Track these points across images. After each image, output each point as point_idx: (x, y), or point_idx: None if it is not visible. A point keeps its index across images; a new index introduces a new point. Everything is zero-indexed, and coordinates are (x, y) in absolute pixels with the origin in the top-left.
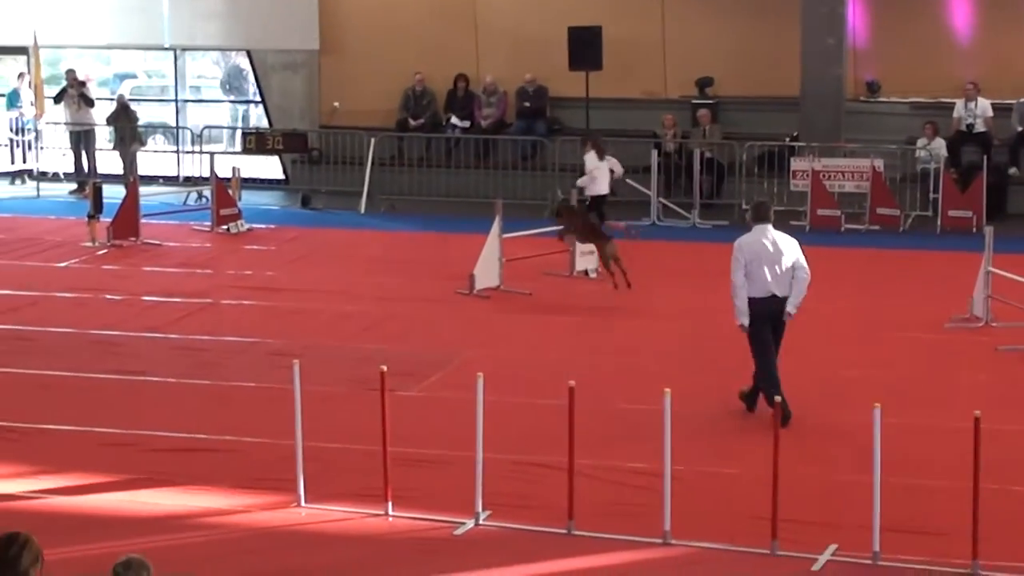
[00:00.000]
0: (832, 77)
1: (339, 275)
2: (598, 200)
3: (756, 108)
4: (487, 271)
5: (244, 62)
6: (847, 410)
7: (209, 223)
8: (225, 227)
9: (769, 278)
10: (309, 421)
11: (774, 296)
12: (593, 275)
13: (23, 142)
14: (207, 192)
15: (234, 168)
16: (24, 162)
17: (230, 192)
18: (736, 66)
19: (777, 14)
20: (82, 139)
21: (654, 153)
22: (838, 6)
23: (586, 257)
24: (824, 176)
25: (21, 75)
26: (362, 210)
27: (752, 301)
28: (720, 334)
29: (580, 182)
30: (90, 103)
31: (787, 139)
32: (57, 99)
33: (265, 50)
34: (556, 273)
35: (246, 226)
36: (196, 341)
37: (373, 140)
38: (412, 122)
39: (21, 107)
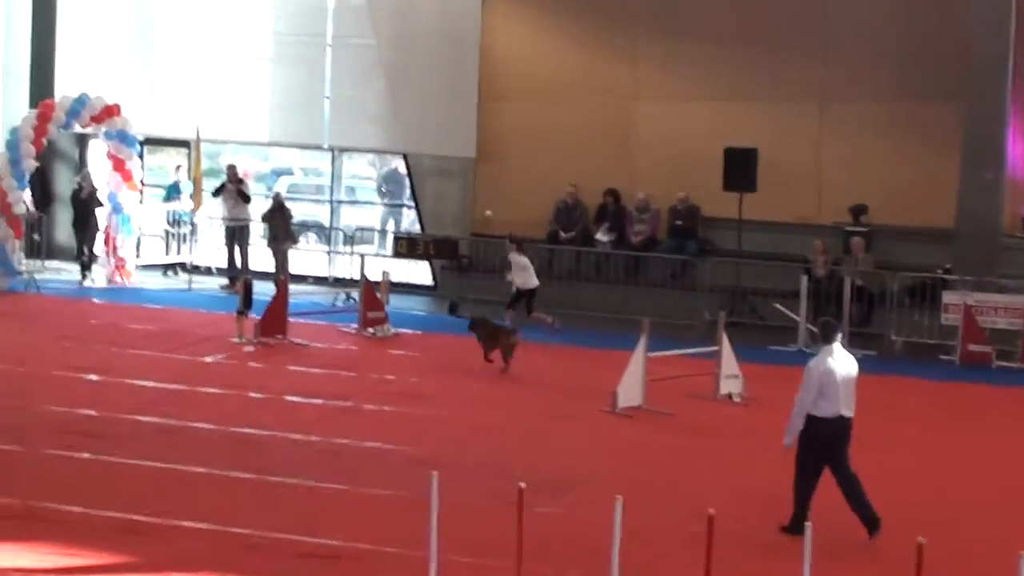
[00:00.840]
0: (989, 211)
1: (483, 385)
2: (529, 292)
3: (910, 238)
4: (631, 389)
5: (401, 165)
6: None
7: (356, 325)
8: (371, 330)
9: (840, 399)
10: (444, 533)
11: (841, 416)
12: (737, 399)
13: (178, 234)
14: (356, 294)
15: (384, 272)
16: (178, 254)
17: (378, 295)
18: (891, 195)
19: (936, 144)
20: (236, 234)
21: (804, 278)
22: (999, 140)
23: (731, 381)
24: (977, 311)
25: (179, 167)
26: (508, 320)
27: (819, 421)
28: (864, 466)
29: (516, 279)
30: (247, 200)
31: (940, 271)
32: (216, 193)
33: (422, 155)
34: (700, 395)
35: (392, 330)
36: (335, 444)
37: None
38: (563, 234)
39: (179, 199)
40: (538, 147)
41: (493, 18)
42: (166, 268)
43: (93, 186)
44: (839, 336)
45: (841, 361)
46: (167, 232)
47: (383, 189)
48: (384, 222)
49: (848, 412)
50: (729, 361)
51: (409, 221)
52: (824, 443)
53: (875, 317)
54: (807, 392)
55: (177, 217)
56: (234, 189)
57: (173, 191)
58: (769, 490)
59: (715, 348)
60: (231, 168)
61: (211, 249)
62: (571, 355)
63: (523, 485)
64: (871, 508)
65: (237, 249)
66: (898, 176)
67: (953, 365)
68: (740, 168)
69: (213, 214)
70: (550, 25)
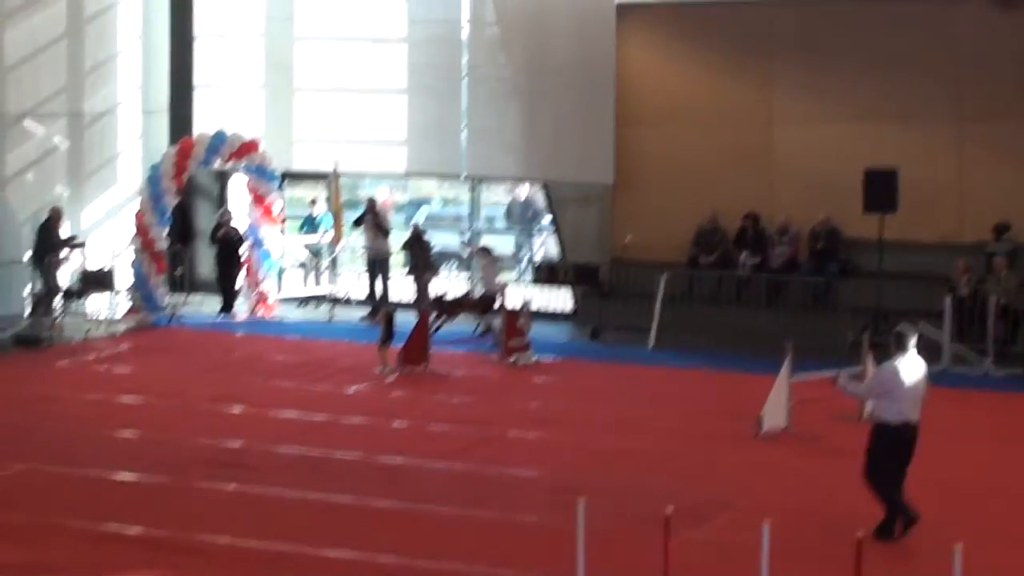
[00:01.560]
0: None
1: (626, 410)
2: (489, 298)
3: None
4: (775, 412)
5: (533, 195)
6: None
7: (497, 353)
8: (513, 358)
9: (907, 406)
10: (591, 560)
11: (907, 423)
12: None
13: (316, 267)
14: (497, 322)
15: (525, 299)
16: (317, 286)
17: (520, 323)
18: None
19: None
20: (377, 266)
21: (947, 298)
22: None
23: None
24: None
25: (313, 201)
26: (651, 345)
27: (887, 427)
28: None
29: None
30: (386, 232)
31: None
32: (356, 223)
33: (561, 183)
34: (846, 417)
35: (535, 357)
36: (480, 472)
37: (664, 275)
38: (703, 258)
39: (315, 232)
40: (676, 172)
41: (628, 44)
42: (305, 300)
43: (233, 222)
44: (913, 344)
45: (913, 369)
46: (305, 265)
47: (512, 217)
48: (518, 250)
49: (914, 418)
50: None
51: (540, 248)
52: (893, 447)
53: (1020, 336)
54: (870, 389)
55: (315, 250)
56: (373, 221)
57: (308, 224)
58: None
59: (859, 368)
60: (371, 200)
61: (352, 280)
62: (714, 379)
63: (670, 510)
64: (905, 510)
65: (378, 280)
66: None
67: None
68: (880, 189)
69: (354, 246)
70: (685, 49)
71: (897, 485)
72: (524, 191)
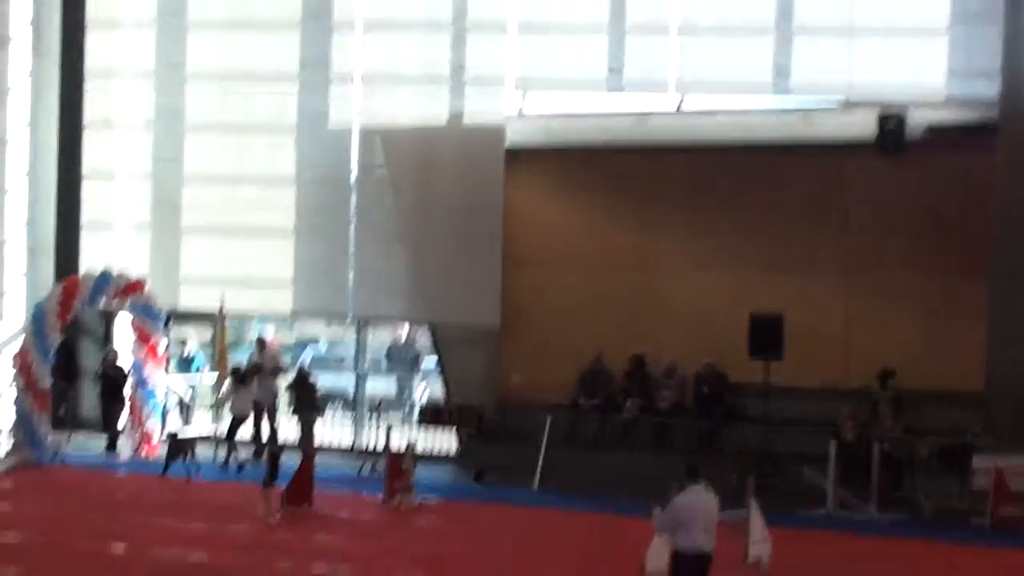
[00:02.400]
0: (1019, 376)
1: (509, 553)
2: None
3: (938, 402)
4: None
5: (414, 336)
6: None
7: (382, 494)
8: (397, 500)
9: (702, 535)
10: None
11: (703, 553)
12: (766, 564)
13: (189, 408)
14: (381, 464)
15: (408, 442)
16: (189, 425)
17: (403, 466)
18: (918, 359)
19: (963, 312)
20: (265, 407)
21: (832, 443)
22: None
23: (759, 545)
24: (1008, 475)
25: (184, 342)
26: (535, 487)
27: (683, 558)
28: None
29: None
30: (277, 373)
31: (969, 435)
32: (243, 379)
33: (447, 324)
34: (728, 561)
35: (418, 499)
36: None
37: (549, 418)
38: (586, 401)
39: (191, 374)
40: (562, 314)
41: (515, 186)
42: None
43: (118, 361)
44: (701, 477)
45: (703, 499)
46: (183, 405)
47: (391, 358)
48: (401, 391)
49: (707, 547)
50: (758, 526)
51: (424, 390)
52: (688, 574)
53: (905, 481)
54: (665, 519)
55: (192, 391)
56: (269, 367)
57: (182, 366)
58: None
59: (743, 513)
60: (260, 340)
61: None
62: (598, 521)
63: None
64: None
65: (264, 421)
66: (924, 341)
67: (984, 529)
68: (766, 334)
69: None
70: (573, 193)
71: None
72: (404, 333)
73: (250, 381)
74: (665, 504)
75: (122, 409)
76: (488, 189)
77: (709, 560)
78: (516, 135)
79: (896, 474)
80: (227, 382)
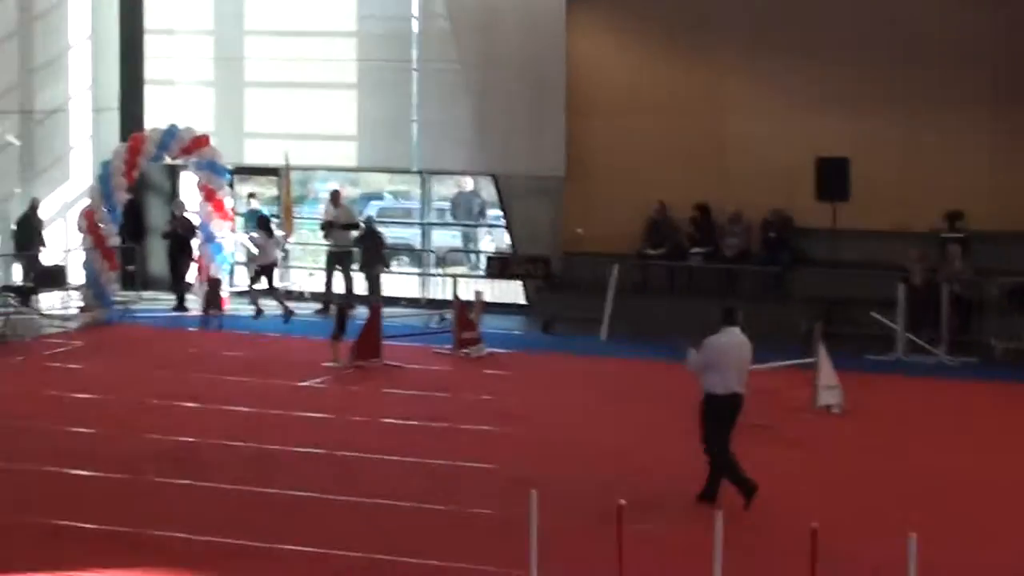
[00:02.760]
0: None
1: (579, 403)
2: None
3: (1008, 242)
4: None
5: (478, 188)
6: None
7: (450, 346)
8: (466, 351)
9: (734, 377)
10: (544, 552)
11: (735, 393)
12: (836, 410)
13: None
14: (449, 315)
15: (476, 292)
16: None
17: (471, 316)
18: (987, 199)
19: None
20: (338, 260)
21: (901, 287)
22: None
23: (829, 392)
24: None
25: (251, 195)
26: (603, 337)
27: (715, 398)
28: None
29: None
30: (351, 227)
31: None
32: (326, 233)
33: (512, 175)
34: (799, 408)
35: (487, 350)
36: (434, 465)
37: (615, 267)
38: (653, 251)
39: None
40: (627, 163)
41: (578, 34)
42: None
43: (186, 216)
44: (739, 320)
45: (737, 343)
46: (251, 258)
47: (457, 211)
48: (466, 243)
49: (740, 389)
50: (827, 372)
51: (489, 241)
52: (721, 414)
53: (975, 324)
54: (698, 360)
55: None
56: (341, 219)
57: (250, 219)
58: (873, 502)
59: (812, 359)
60: (335, 193)
61: (304, 275)
62: (666, 370)
63: (623, 502)
64: (718, 484)
65: (338, 274)
66: (993, 180)
67: None
68: (832, 177)
69: (305, 241)
70: (635, 39)
71: (727, 450)
72: (468, 184)
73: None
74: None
75: (190, 265)
76: (550, 37)
77: (741, 400)
78: None
79: (966, 316)
80: (253, 234)
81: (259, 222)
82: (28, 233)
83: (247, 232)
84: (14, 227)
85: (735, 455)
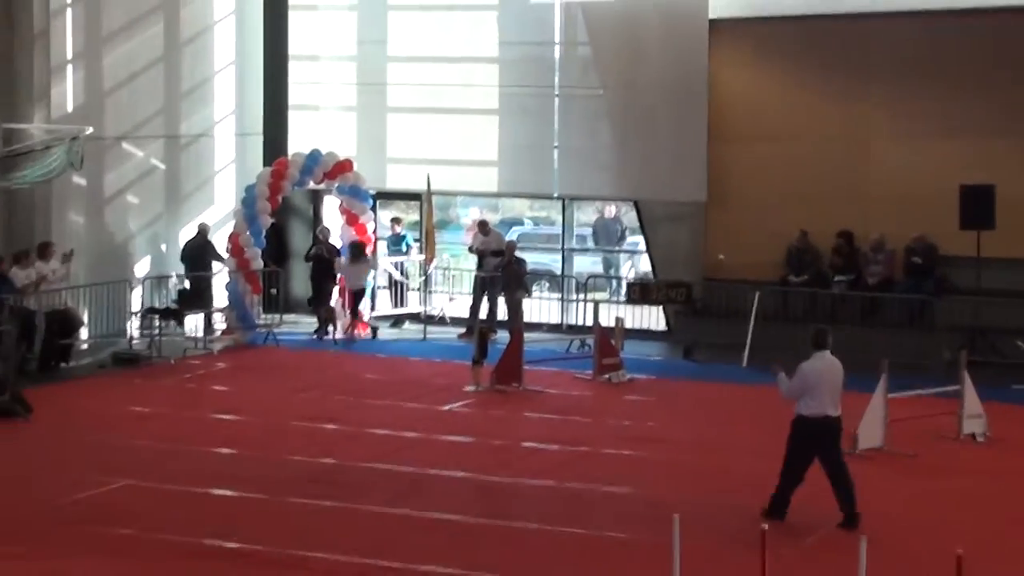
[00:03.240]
0: None
1: (719, 429)
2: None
3: None
4: (870, 431)
5: (620, 213)
6: None
7: (591, 372)
8: (606, 376)
9: (827, 400)
10: None
11: (827, 416)
12: (981, 439)
13: (404, 285)
14: (590, 341)
15: (618, 318)
16: (403, 306)
17: (612, 341)
18: None
19: None
20: (485, 284)
21: None
22: None
23: (974, 420)
24: None
25: (395, 220)
26: (744, 364)
27: (806, 420)
28: None
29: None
30: (500, 253)
31: None
32: (479, 262)
33: (652, 201)
34: (943, 436)
35: (627, 375)
36: (573, 489)
37: (757, 294)
38: (794, 277)
39: (406, 252)
40: (769, 189)
41: (720, 59)
42: (396, 319)
43: (330, 241)
44: (829, 343)
45: (830, 367)
46: (396, 283)
47: (599, 236)
48: (607, 268)
49: (834, 412)
50: (972, 400)
51: (629, 267)
52: (811, 439)
53: None
54: (794, 386)
55: (403, 269)
56: (487, 249)
57: (392, 244)
58: (1018, 530)
59: (957, 388)
60: (483, 223)
61: (444, 299)
62: None
63: (765, 527)
64: (854, 503)
65: (484, 300)
66: None
67: None
68: (977, 205)
69: (444, 265)
70: (778, 65)
71: (800, 478)
72: (610, 210)
73: (363, 258)
74: (792, 372)
75: (332, 288)
76: (693, 62)
77: (838, 422)
78: (718, 6)
79: None
80: (342, 259)
81: (349, 248)
82: (196, 257)
83: (388, 257)
84: (180, 250)
85: (803, 482)
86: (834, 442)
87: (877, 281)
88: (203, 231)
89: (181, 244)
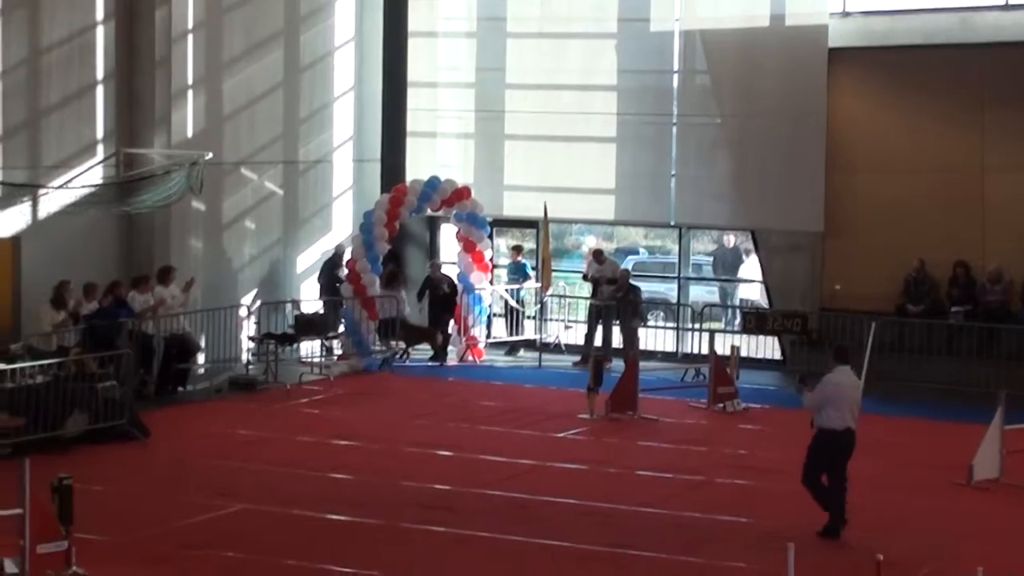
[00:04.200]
0: None
1: None
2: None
3: None
4: (988, 462)
5: (739, 243)
6: None
7: (706, 400)
8: (721, 405)
9: (848, 413)
10: None
11: (849, 429)
12: None
13: (519, 313)
14: (705, 369)
15: (733, 347)
16: (519, 334)
17: (728, 370)
18: None
19: None
20: (601, 313)
21: None
22: None
23: None
24: None
25: (516, 248)
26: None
27: (832, 433)
28: None
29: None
30: (614, 281)
31: None
32: (594, 290)
33: (769, 230)
34: None
35: (742, 405)
36: (688, 518)
37: (874, 324)
38: (911, 307)
39: (519, 280)
40: (885, 219)
41: (838, 89)
42: (512, 347)
43: (446, 274)
44: (850, 359)
45: (851, 381)
46: (512, 311)
47: (719, 266)
48: (723, 297)
49: (853, 424)
50: None
51: (742, 297)
52: (837, 449)
53: None
54: (816, 397)
55: (519, 297)
56: (604, 279)
57: (512, 272)
58: None
59: None
60: (598, 252)
61: (559, 327)
62: (923, 428)
63: (880, 558)
64: (843, 514)
65: (598, 327)
66: None
67: None
68: None
69: (559, 292)
70: (896, 94)
71: (840, 488)
72: (730, 239)
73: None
74: (813, 386)
75: (450, 318)
76: (811, 91)
77: (854, 435)
78: (837, 35)
79: None
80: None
81: (383, 276)
82: (330, 278)
83: (506, 285)
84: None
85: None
86: (851, 453)
87: (994, 311)
88: (339, 251)
89: (299, 270)
